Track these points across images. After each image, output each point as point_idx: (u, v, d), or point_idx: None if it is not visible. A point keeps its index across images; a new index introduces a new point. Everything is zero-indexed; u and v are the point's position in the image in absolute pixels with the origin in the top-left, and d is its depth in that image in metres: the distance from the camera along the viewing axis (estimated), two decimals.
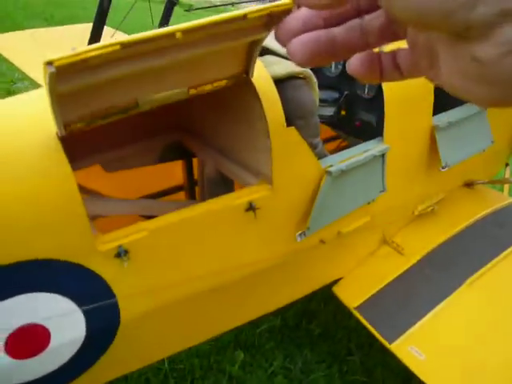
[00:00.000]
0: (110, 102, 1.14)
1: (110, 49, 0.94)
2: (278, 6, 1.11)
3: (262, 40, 1.24)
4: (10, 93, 5.10)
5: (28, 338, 1.18)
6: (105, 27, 3.67)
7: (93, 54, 0.93)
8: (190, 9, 3.24)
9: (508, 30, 0.26)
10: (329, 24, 0.38)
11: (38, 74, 2.99)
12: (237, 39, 1.17)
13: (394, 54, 0.38)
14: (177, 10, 4.00)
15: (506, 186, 2.75)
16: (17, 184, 1.08)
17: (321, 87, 1.98)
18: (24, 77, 4.42)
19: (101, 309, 1.25)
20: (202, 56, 1.15)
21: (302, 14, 0.40)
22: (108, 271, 1.24)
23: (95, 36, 3.63)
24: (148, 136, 1.77)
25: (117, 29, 3.80)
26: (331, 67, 1.96)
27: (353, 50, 0.39)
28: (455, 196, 2.40)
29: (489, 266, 1.90)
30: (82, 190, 1.67)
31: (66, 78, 0.96)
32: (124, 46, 0.96)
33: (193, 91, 1.27)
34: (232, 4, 3.21)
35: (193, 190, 1.97)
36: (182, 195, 2.03)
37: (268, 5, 1.13)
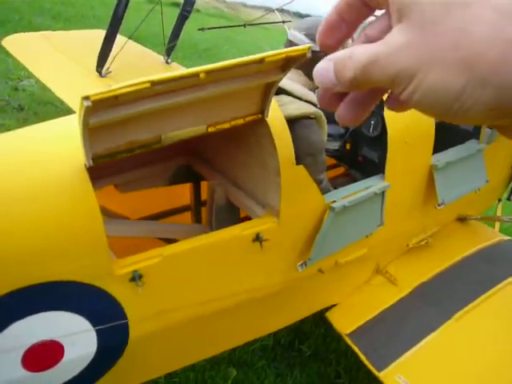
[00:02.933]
0: (134, 137, 1.23)
1: (140, 86, 1.03)
2: (294, 50, 1.21)
3: (278, 82, 1.34)
4: (16, 89, 5.16)
5: (43, 352, 1.25)
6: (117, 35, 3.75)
7: (126, 90, 1.02)
8: (203, 28, 3.33)
9: None
10: None
11: (46, 75, 3.07)
12: (254, 80, 1.27)
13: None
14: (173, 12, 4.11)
15: (497, 222, 2.85)
16: (46, 211, 1.16)
17: (328, 121, 2.08)
18: (30, 75, 4.48)
19: (112, 329, 1.33)
20: (221, 95, 1.24)
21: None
22: (123, 294, 1.31)
23: (108, 44, 3.71)
24: (160, 159, 1.85)
25: (129, 37, 3.88)
26: None
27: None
28: (448, 230, 2.50)
29: (476, 302, 1.99)
30: None
31: (98, 113, 1.04)
32: (154, 83, 1.05)
33: (211, 129, 1.36)
34: (244, 25, 3.30)
35: (199, 212, 2.05)
36: (187, 215, 2.11)
37: (285, 49, 1.23)
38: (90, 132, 1.10)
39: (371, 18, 0.42)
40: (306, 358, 2.40)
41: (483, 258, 2.33)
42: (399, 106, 0.41)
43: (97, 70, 3.74)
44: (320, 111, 1.64)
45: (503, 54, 0.30)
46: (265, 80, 1.27)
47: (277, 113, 1.47)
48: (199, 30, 3.30)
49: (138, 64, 4.05)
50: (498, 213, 3.10)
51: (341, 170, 2.46)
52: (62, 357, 1.28)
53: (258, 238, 1.49)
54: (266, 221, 1.53)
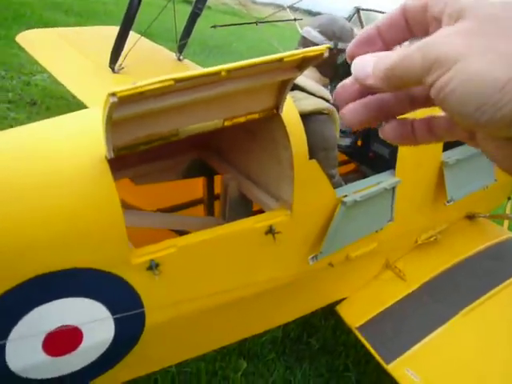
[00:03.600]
0: (154, 130, 1.27)
1: (165, 83, 1.07)
2: (312, 51, 1.25)
3: (293, 79, 1.37)
4: (29, 84, 5.21)
5: (63, 338, 1.29)
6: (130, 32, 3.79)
7: (150, 87, 1.06)
8: (215, 25, 3.37)
9: None
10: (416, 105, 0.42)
11: (59, 71, 3.11)
12: (272, 78, 1.30)
13: (428, 119, 0.41)
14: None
15: (506, 220, 2.87)
16: (69, 200, 1.20)
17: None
18: (43, 70, 4.53)
19: (130, 316, 1.37)
20: (239, 91, 1.27)
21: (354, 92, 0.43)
22: (140, 282, 1.35)
23: (121, 40, 3.74)
24: (174, 153, 1.89)
25: (142, 34, 3.92)
26: None
27: (398, 115, 0.42)
28: (457, 227, 2.52)
29: (483, 298, 2.02)
30: None
31: (121, 107, 1.08)
32: (177, 81, 1.09)
33: (227, 122, 1.40)
34: (256, 23, 3.34)
35: (212, 205, 2.09)
36: (200, 209, 2.15)
37: (303, 50, 1.26)
38: (113, 125, 1.14)
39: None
40: (315, 350, 2.44)
41: (491, 255, 2.35)
42: (426, 130, 0.41)
43: (110, 66, 3.79)
44: (333, 107, 1.67)
45: None
46: (281, 78, 1.30)
47: (291, 108, 1.51)
48: (212, 27, 3.34)
49: (151, 60, 4.09)
50: (507, 211, 3.11)
51: (351, 166, 2.49)
52: (81, 342, 1.33)
53: (270, 231, 1.52)
54: (278, 214, 1.56)
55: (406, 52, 0.35)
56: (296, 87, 1.63)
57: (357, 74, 0.39)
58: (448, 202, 2.16)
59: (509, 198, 3.16)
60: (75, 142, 1.33)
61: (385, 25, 0.40)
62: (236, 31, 10.45)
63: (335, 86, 2.15)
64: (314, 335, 2.50)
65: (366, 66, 0.39)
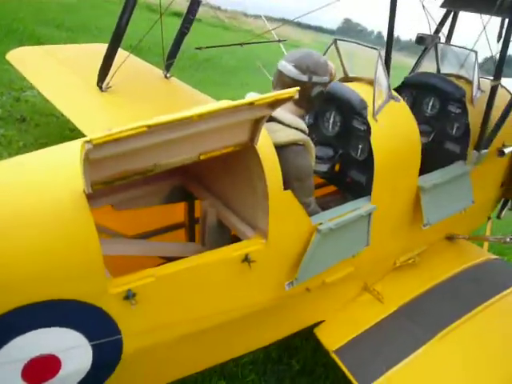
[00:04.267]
0: (130, 167, 1.31)
1: (138, 130, 1.13)
2: (282, 94, 1.31)
3: (267, 116, 1.43)
4: (18, 100, 5.24)
5: (42, 366, 1.32)
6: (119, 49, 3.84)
7: (123, 134, 1.12)
8: (200, 47, 3.44)
9: None
10: None
11: (48, 89, 3.14)
12: (245, 116, 1.36)
13: None
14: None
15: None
16: (47, 234, 1.24)
17: (317, 144, 2.16)
18: (33, 86, 4.55)
19: (107, 344, 1.40)
20: (213, 129, 1.33)
21: None
22: (117, 311, 1.39)
23: (108, 59, 3.79)
24: (156, 179, 1.93)
25: (130, 52, 3.97)
26: (329, 126, 2.14)
27: None
28: (436, 248, 2.58)
29: (460, 321, 2.07)
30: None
31: (98, 150, 1.13)
32: (150, 127, 1.14)
33: (203, 156, 1.45)
34: (241, 44, 3.40)
35: (193, 229, 2.13)
36: (182, 232, 2.19)
37: (273, 93, 1.32)
38: (90, 164, 1.19)
39: None
40: (296, 371, 2.46)
41: (469, 278, 2.40)
42: None
43: (97, 85, 3.84)
44: (308, 138, 1.73)
45: None
46: (254, 116, 1.36)
47: (266, 140, 1.56)
48: (197, 48, 3.40)
49: (138, 79, 4.14)
50: (488, 231, 3.18)
51: (332, 187, 2.54)
52: (59, 370, 1.36)
53: (246, 259, 1.57)
54: (254, 242, 1.61)
55: None
56: (272, 119, 1.68)
57: None
58: (424, 225, 2.22)
59: (489, 218, 3.23)
60: (55, 175, 1.37)
61: None
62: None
63: (312, 117, 2.21)
64: (294, 356, 2.53)
65: None
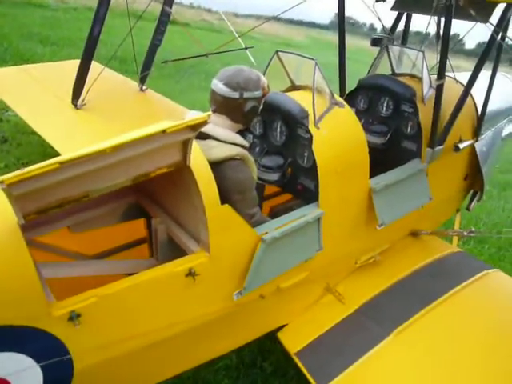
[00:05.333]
0: (63, 195, 1.38)
1: (50, 167, 1.20)
2: (193, 120, 1.38)
3: (192, 138, 1.49)
4: (1, 120, 5.32)
5: None
6: (93, 62, 3.89)
7: (36, 172, 1.19)
8: (166, 61, 3.50)
9: None
10: None
11: (23, 109, 3.20)
12: (167, 140, 1.43)
13: None
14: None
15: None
16: None
17: (267, 154, 2.22)
18: None
19: (56, 364, 1.47)
20: (139, 155, 1.39)
21: None
22: (63, 332, 1.46)
23: (82, 75, 3.84)
24: (111, 199, 2.00)
25: (106, 65, 4.02)
26: (276, 136, 2.20)
27: None
28: (400, 245, 2.63)
29: (415, 317, 2.12)
30: (53, 249, 1.91)
31: (18, 187, 1.20)
32: (62, 163, 1.21)
33: (138, 178, 1.51)
34: (206, 55, 3.45)
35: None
36: (145, 248, 2.25)
37: (185, 120, 1.39)
38: (18, 198, 1.26)
39: None
40: (268, 374, 2.53)
41: (429, 272, 2.45)
42: None
43: (72, 103, 3.90)
44: (245, 151, 1.79)
45: None
46: (178, 139, 1.43)
47: (200, 158, 1.62)
48: (163, 62, 3.46)
49: (113, 93, 4.20)
50: (456, 223, 3.23)
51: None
52: None
53: (190, 273, 1.63)
54: (198, 256, 1.67)
55: None
56: (208, 136, 1.74)
57: None
58: (379, 225, 2.27)
59: (457, 211, 3.28)
60: None
61: None
62: (211, 49, 10.59)
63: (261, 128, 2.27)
64: (267, 359, 2.60)
65: None
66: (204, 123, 1.37)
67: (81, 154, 1.18)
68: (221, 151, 1.72)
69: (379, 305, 2.24)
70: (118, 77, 4.68)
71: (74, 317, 1.45)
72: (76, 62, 4.39)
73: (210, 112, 1.38)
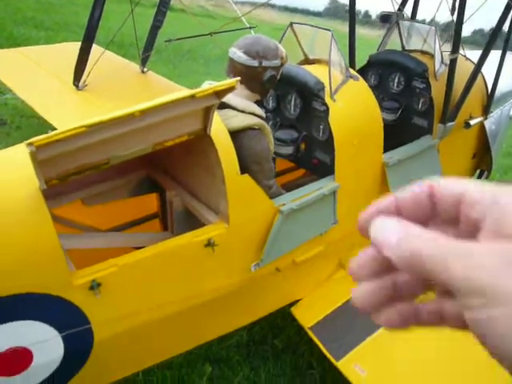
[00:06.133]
0: (83, 162, 1.35)
1: (77, 130, 1.17)
2: (222, 85, 1.36)
3: (215, 105, 1.46)
4: None
5: (13, 358, 1.38)
6: (94, 45, 3.85)
7: (64, 135, 1.16)
8: (170, 39, 3.45)
9: None
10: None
11: (25, 91, 3.18)
12: (192, 106, 1.40)
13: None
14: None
15: None
16: (6, 231, 1.29)
17: (282, 127, 2.20)
18: None
19: (77, 334, 1.45)
20: (162, 121, 1.37)
21: (369, 262, 0.39)
22: (84, 301, 1.44)
23: (83, 56, 3.80)
24: (124, 172, 1.97)
25: (106, 48, 3.98)
26: (291, 109, 2.18)
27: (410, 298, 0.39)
28: None
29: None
30: (67, 223, 1.89)
31: (44, 150, 1.18)
32: (89, 127, 1.19)
33: (157, 146, 1.49)
34: (210, 34, 3.41)
35: (166, 219, 2.17)
36: (156, 223, 2.24)
37: (213, 85, 1.37)
38: (41, 163, 1.23)
39: None
40: (280, 350, 2.53)
41: None
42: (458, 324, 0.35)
43: (74, 84, 3.85)
44: (263, 121, 1.77)
45: None
46: (202, 105, 1.40)
47: (220, 127, 1.60)
48: (166, 41, 3.41)
49: (115, 75, 4.15)
50: None
51: (302, 171, 2.59)
52: (31, 362, 1.41)
53: (209, 244, 1.62)
54: (216, 227, 1.66)
55: (445, 249, 0.32)
56: (227, 105, 1.72)
57: (376, 240, 0.35)
58: None
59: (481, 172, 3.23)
60: (12, 174, 1.41)
61: (406, 201, 0.37)
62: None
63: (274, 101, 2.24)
64: (278, 336, 2.60)
65: (390, 235, 0.34)
66: (232, 89, 1.35)
67: (109, 118, 1.16)
68: (239, 120, 1.69)
69: None
70: (118, 59, 4.62)
71: (94, 286, 1.43)
72: (73, 45, 4.35)
73: (239, 78, 1.36)
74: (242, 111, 1.72)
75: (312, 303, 2.18)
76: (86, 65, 3.82)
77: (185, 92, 1.34)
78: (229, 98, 1.71)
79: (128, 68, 4.43)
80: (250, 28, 3.62)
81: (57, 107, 3.65)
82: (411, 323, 0.39)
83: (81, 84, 3.87)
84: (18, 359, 1.39)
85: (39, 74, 4.07)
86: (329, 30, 1.94)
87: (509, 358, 0.30)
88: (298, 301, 2.20)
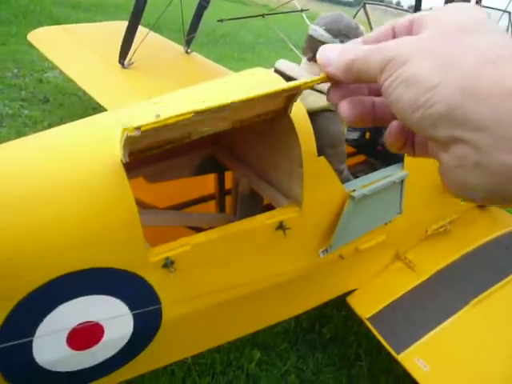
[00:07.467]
0: (166, 136, 1.31)
1: (186, 116, 1.12)
2: (311, 82, 1.28)
3: (301, 91, 1.40)
4: (41, 81, 5.28)
5: (86, 333, 1.35)
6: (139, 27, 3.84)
7: (171, 121, 1.11)
8: (222, 19, 3.40)
9: (458, 149, 0.35)
10: (373, 93, 0.46)
11: (71, 68, 3.19)
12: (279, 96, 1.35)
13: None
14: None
15: None
16: (89, 203, 1.25)
17: None
18: (54, 67, 4.58)
19: (147, 312, 1.43)
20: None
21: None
22: (156, 279, 1.41)
23: (129, 36, 3.80)
24: (188, 150, 1.93)
25: (150, 29, 3.96)
26: None
27: (387, 119, 0.45)
28: (468, 217, 2.54)
29: (493, 288, 2.05)
30: None
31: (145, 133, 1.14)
32: (197, 113, 1.14)
33: (237, 124, 1.44)
34: (263, 15, 3.35)
35: (223, 201, 2.14)
36: (212, 204, 2.20)
37: (304, 80, 1.30)
38: (130, 138, 1.19)
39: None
40: (327, 340, 2.49)
41: (502, 245, 2.37)
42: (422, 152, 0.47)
43: (119, 62, 3.84)
44: None
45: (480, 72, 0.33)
46: (287, 93, 1.34)
47: (299, 107, 1.54)
48: (219, 21, 3.36)
49: (159, 55, 4.13)
50: None
51: (361, 157, 2.52)
52: (102, 337, 1.39)
53: (281, 227, 1.57)
54: (288, 210, 1.61)
55: (369, 50, 0.39)
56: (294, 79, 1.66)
57: (320, 61, 0.44)
58: None
59: None
60: (91, 147, 1.37)
61: (371, 38, 0.45)
62: (242, 20, 10.43)
63: None
64: (326, 325, 2.56)
65: (331, 54, 0.43)
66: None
67: (213, 106, 1.10)
68: (317, 101, 1.63)
69: (453, 274, 2.17)
70: (163, 40, 4.60)
71: (168, 263, 1.40)
72: (119, 23, 4.33)
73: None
74: (320, 91, 1.66)
75: (369, 293, 2.12)
76: (131, 44, 3.81)
77: (290, 83, 1.29)
78: (302, 75, 1.65)
79: (172, 48, 4.41)
80: (302, 11, 3.55)
81: (103, 84, 3.64)
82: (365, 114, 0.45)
83: (126, 62, 3.86)
84: (91, 334, 1.37)
85: (85, 52, 4.07)
86: (407, 11, 1.86)
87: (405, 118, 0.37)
88: (353, 290, 2.15)
